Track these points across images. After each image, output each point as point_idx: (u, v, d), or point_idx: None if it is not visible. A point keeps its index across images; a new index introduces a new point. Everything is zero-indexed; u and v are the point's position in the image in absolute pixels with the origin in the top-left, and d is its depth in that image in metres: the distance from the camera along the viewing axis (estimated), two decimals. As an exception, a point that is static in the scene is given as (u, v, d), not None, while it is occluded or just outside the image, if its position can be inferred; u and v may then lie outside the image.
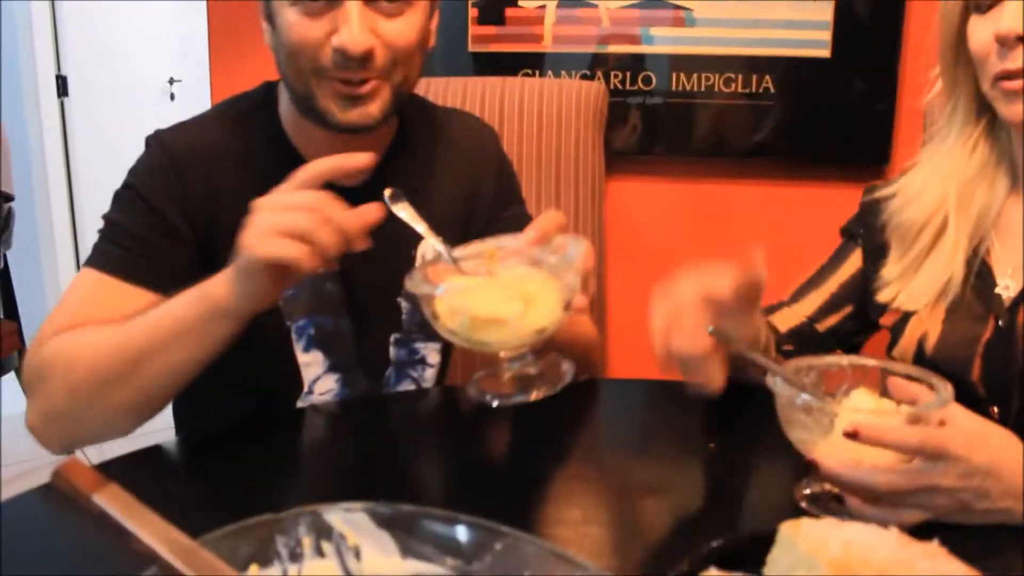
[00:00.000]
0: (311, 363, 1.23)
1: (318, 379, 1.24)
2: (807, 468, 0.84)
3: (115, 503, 0.51)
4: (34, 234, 4.11)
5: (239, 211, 1.14)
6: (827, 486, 0.87)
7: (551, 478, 0.95)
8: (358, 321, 1.24)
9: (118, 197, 1.16)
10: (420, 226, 0.98)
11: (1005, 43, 0.98)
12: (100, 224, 1.16)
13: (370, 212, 0.92)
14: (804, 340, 1.24)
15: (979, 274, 1.08)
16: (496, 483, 0.96)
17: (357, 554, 0.58)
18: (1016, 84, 0.99)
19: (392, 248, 1.21)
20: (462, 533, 0.57)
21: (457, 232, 1.28)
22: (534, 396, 0.89)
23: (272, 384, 1.23)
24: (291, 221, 0.89)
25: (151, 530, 0.50)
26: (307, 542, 0.57)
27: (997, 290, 1.07)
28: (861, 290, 1.22)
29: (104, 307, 1.06)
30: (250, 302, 0.96)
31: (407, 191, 1.25)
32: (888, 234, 1.18)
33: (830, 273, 1.27)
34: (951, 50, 1.09)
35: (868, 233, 1.22)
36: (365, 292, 1.23)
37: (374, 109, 1.12)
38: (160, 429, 1.14)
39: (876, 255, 1.19)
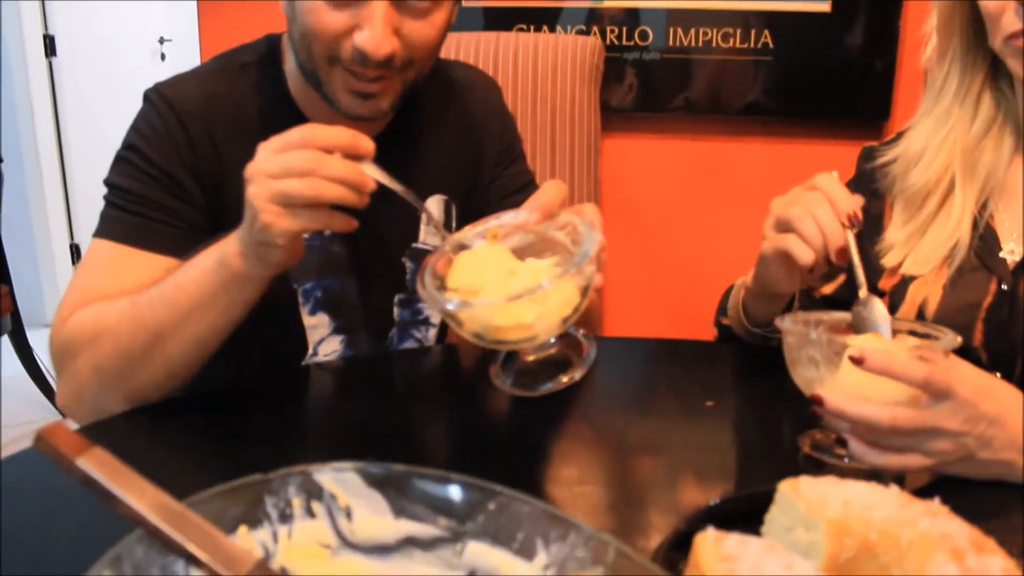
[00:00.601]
0: (317, 325, 1.22)
1: (323, 341, 1.22)
2: (811, 406, 0.83)
3: (100, 466, 0.50)
4: (24, 196, 4.08)
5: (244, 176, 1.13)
6: (832, 435, 0.86)
7: (547, 437, 0.94)
8: (364, 282, 1.23)
9: (120, 160, 1.11)
10: (396, 187, 0.94)
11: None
12: (92, 185, 1.13)
13: (360, 140, 0.87)
14: (801, 307, 1.22)
15: (983, 237, 1.07)
16: (493, 442, 0.95)
17: (348, 514, 0.57)
18: None
19: (396, 207, 1.19)
20: (455, 493, 0.56)
21: (462, 189, 1.27)
22: (565, 381, 0.87)
23: (276, 346, 1.21)
24: (296, 188, 0.85)
25: (137, 494, 0.49)
26: (297, 503, 0.56)
27: (1002, 254, 1.05)
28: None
29: (121, 278, 1.04)
30: (270, 267, 0.93)
31: (414, 148, 1.23)
32: (890, 199, 1.16)
33: None
34: (954, 12, 1.06)
35: (866, 200, 1.20)
36: (371, 253, 1.22)
37: (384, 104, 1.07)
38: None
39: (875, 221, 1.17)
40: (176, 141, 1.10)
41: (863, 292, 0.92)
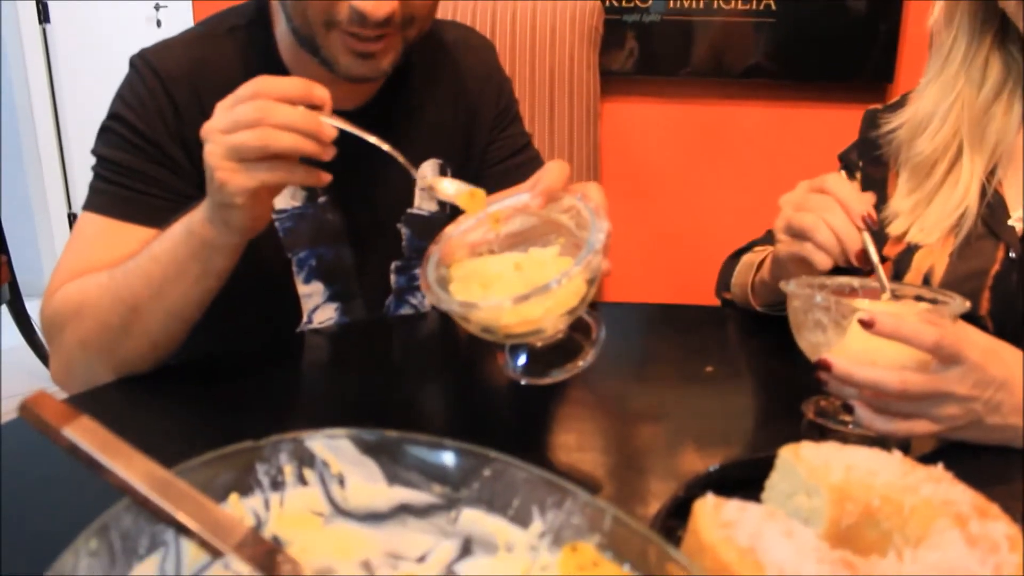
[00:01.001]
0: (311, 293, 1.21)
1: (317, 308, 1.21)
2: (816, 371, 0.82)
3: (87, 436, 0.49)
4: (21, 165, 4.06)
5: None
6: (836, 401, 0.85)
7: (546, 403, 0.93)
8: (359, 250, 1.22)
9: (106, 129, 1.10)
10: (366, 136, 0.90)
11: None
12: (89, 154, 1.10)
13: (315, 89, 0.84)
14: None
15: (991, 205, 1.05)
16: (491, 408, 0.95)
17: (341, 482, 0.56)
18: None
19: (391, 173, 1.18)
20: (449, 459, 0.55)
21: (457, 152, 1.25)
22: (580, 366, 0.85)
23: (271, 314, 1.20)
24: (246, 139, 0.82)
25: (125, 463, 0.48)
26: (289, 470, 0.56)
27: (1010, 222, 1.03)
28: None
29: (111, 251, 1.03)
30: (239, 233, 0.91)
31: (408, 110, 1.21)
32: (895, 167, 1.14)
33: None
34: None
35: (869, 164, 1.18)
36: (366, 220, 1.20)
37: (384, 63, 1.04)
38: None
39: (878, 187, 1.15)
40: (162, 109, 1.07)
41: (886, 296, 0.91)
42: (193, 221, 0.92)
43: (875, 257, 0.91)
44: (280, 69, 1.13)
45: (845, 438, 0.82)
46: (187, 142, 1.08)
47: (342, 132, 1.13)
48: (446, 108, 1.25)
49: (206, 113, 1.07)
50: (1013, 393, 0.79)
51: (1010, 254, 1.02)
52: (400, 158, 0.89)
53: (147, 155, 1.07)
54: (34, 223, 4.15)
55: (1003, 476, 0.77)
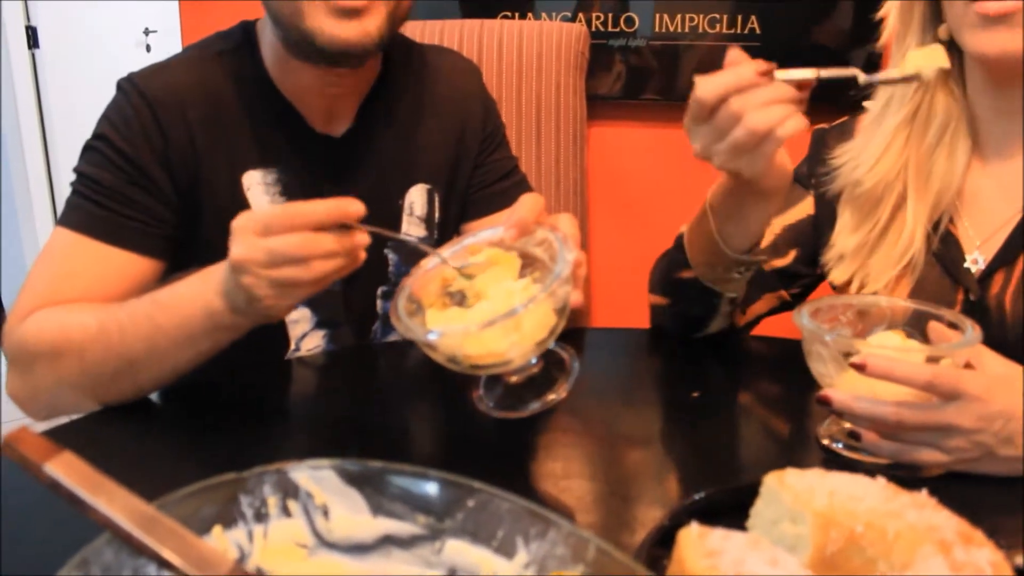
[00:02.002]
0: (299, 320, 1.20)
1: (305, 335, 1.21)
2: (819, 402, 0.82)
3: (69, 472, 0.48)
4: (9, 187, 4.05)
5: (222, 161, 1.10)
6: (846, 424, 0.86)
7: (532, 430, 0.93)
8: (348, 279, 1.21)
9: (89, 148, 1.09)
10: (392, 235, 0.92)
11: None
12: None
13: (349, 207, 0.84)
14: (752, 283, 1.15)
15: (946, 248, 1.03)
16: (477, 436, 0.94)
17: (325, 513, 0.56)
18: (994, 6, 0.90)
19: (379, 198, 1.17)
20: (433, 490, 0.55)
21: (445, 177, 1.25)
22: (551, 400, 0.85)
23: (257, 342, 1.19)
24: (297, 274, 0.82)
25: (107, 498, 0.48)
26: (273, 502, 0.55)
27: (966, 264, 1.02)
28: (811, 238, 1.16)
29: (84, 272, 1.03)
30: (258, 322, 0.92)
31: (396, 135, 1.21)
32: (843, 197, 1.11)
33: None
34: None
35: (820, 187, 1.15)
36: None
37: (371, 27, 1.03)
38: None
39: (829, 208, 1.13)
40: (147, 130, 1.07)
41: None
42: (214, 309, 0.91)
43: (788, 74, 0.87)
44: (270, 88, 1.14)
45: (856, 464, 0.83)
46: (171, 165, 1.08)
47: (325, 152, 1.14)
48: (434, 132, 1.25)
49: (193, 135, 1.09)
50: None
51: (970, 297, 1.01)
52: (425, 247, 0.89)
53: (127, 176, 1.06)
54: (22, 245, 4.14)
55: (987, 501, 0.77)
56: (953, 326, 0.85)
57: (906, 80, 0.92)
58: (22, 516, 0.76)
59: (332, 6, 1.01)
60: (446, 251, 0.88)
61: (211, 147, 1.10)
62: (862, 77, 0.90)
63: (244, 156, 1.12)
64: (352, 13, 1.01)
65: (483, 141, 1.29)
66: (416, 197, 1.23)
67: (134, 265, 1.05)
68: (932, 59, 0.89)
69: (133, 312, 0.96)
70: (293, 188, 1.14)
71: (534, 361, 0.83)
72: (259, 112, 1.13)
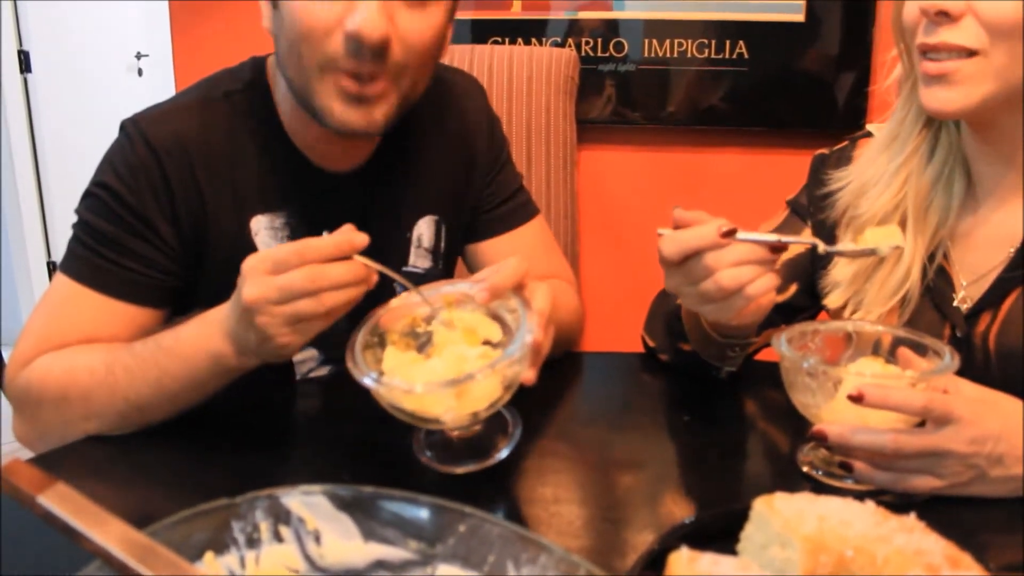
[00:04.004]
0: (306, 359, 1.19)
1: (310, 372, 1.20)
2: (812, 438, 0.83)
3: (62, 503, 0.49)
4: (2, 216, 4.04)
5: (229, 207, 1.09)
6: (836, 456, 0.86)
7: (523, 454, 0.93)
8: (353, 313, 1.20)
9: (92, 195, 1.06)
10: (389, 273, 0.90)
11: (927, 16, 0.92)
12: (69, 202, 1.08)
13: (355, 239, 0.84)
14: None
15: (937, 283, 1.04)
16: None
17: (317, 538, 0.56)
18: (934, 67, 0.93)
19: (388, 232, 1.17)
20: (424, 515, 0.55)
21: (453, 204, 1.24)
22: (487, 463, 0.87)
23: (264, 378, 1.18)
24: (309, 308, 0.83)
25: (101, 529, 0.48)
26: (264, 527, 0.56)
27: (956, 302, 1.03)
28: (810, 269, 1.16)
29: (84, 321, 1.03)
30: (268, 361, 0.92)
31: (407, 167, 1.19)
32: (842, 225, 1.11)
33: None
34: (899, 23, 1.01)
35: (818, 213, 1.15)
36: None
37: (378, 115, 1.00)
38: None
39: (828, 234, 1.13)
40: (153, 182, 1.05)
41: (822, 247, 0.92)
42: (222, 355, 0.91)
43: (753, 235, 0.88)
44: (280, 135, 1.11)
45: (839, 490, 0.83)
46: (177, 216, 1.06)
47: (333, 192, 1.13)
48: (442, 160, 1.23)
49: (200, 184, 1.07)
50: (1013, 444, 0.79)
51: (956, 333, 1.02)
52: (420, 292, 0.90)
53: (131, 228, 1.04)
54: (13, 271, 4.13)
55: (975, 525, 0.78)
56: (922, 349, 0.87)
57: (863, 254, 0.96)
58: (16, 544, 0.76)
59: (341, 89, 0.99)
60: (427, 291, 0.90)
61: (218, 194, 1.08)
62: (822, 247, 0.92)
63: (251, 201, 1.10)
64: (362, 99, 0.99)
65: (490, 162, 1.27)
66: (424, 229, 1.22)
67: (135, 315, 1.05)
68: (889, 237, 0.92)
69: (139, 356, 0.96)
70: (301, 231, 1.12)
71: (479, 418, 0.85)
72: (267, 155, 1.11)
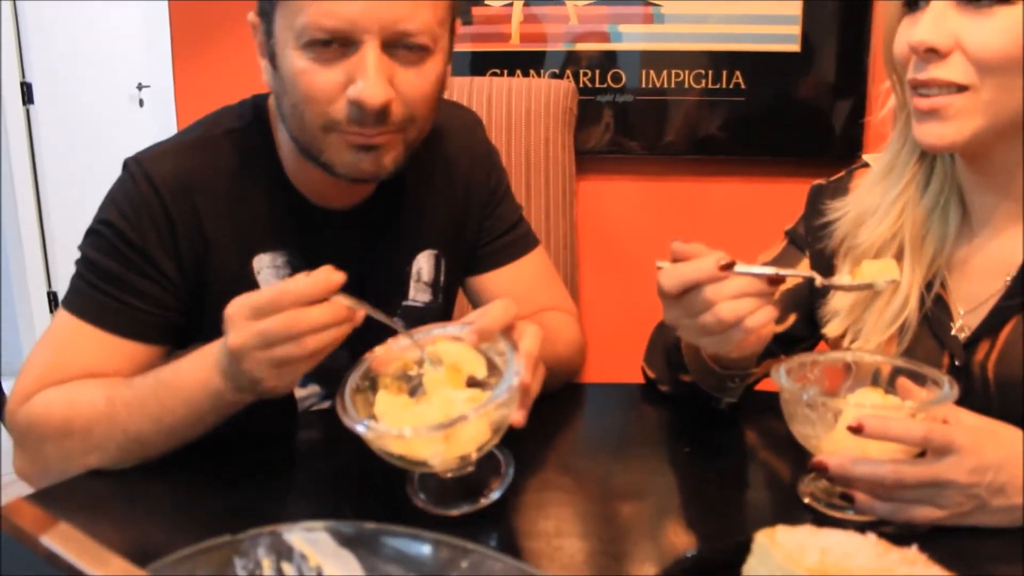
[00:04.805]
0: (308, 395, 1.19)
1: (313, 406, 1.20)
2: (813, 469, 0.83)
3: (65, 543, 0.49)
4: (3, 247, 4.05)
5: (231, 247, 1.09)
6: (823, 482, 0.86)
7: (523, 488, 0.93)
8: (354, 348, 1.20)
9: (95, 233, 1.07)
10: (372, 313, 0.90)
11: (916, 53, 0.94)
12: (70, 233, 1.10)
13: (331, 278, 0.85)
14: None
15: (935, 312, 1.04)
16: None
17: (319, 575, 0.56)
18: (925, 103, 0.94)
19: (388, 267, 1.18)
20: (427, 551, 0.55)
21: (452, 238, 1.24)
22: (482, 504, 0.87)
23: (265, 412, 1.17)
24: (292, 351, 0.84)
25: (105, 569, 0.48)
26: (267, 564, 0.56)
27: (953, 331, 1.03)
28: (809, 299, 1.16)
29: (85, 357, 1.03)
30: (264, 397, 0.93)
31: (406, 204, 1.19)
32: (839, 255, 1.11)
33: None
34: (890, 57, 1.02)
35: (816, 243, 1.15)
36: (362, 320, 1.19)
37: (387, 160, 1.02)
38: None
39: (826, 265, 1.13)
40: (156, 220, 1.05)
41: (819, 280, 0.93)
42: (217, 389, 0.92)
43: (751, 268, 0.89)
44: (280, 174, 1.12)
45: (841, 521, 0.83)
46: (180, 254, 1.07)
47: (333, 230, 1.13)
48: (441, 195, 1.23)
49: (202, 222, 1.07)
50: (1014, 473, 0.79)
51: (955, 362, 1.02)
52: (405, 331, 0.91)
53: (134, 265, 1.05)
54: (14, 302, 4.13)
55: (977, 557, 0.77)
56: (921, 379, 0.87)
57: (861, 288, 0.96)
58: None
59: (350, 142, 1.00)
60: (419, 334, 0.91)
61: (220, 233, 1.08)
62: (819, 280, 0.93)
63: (253, 240, 1.11)
64: (370, 148, 1.00)
65: (488, 195, 1.28)
66: (424, 263, 1.22)
67: (136, 352, 1.05)
68: (885, 271, 0.93)
69: (138, 391, 0.97)
70: (302, 269, 1.11)
71: (472, 459, 0.86)
72: (267, 195, 1.11)
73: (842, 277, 0.96)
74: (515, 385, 0.81)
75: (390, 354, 0.91)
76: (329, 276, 0.84)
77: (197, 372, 0.94)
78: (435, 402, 0.85)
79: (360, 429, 0.80)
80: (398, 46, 0.97)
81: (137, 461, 0.99)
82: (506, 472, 0.90)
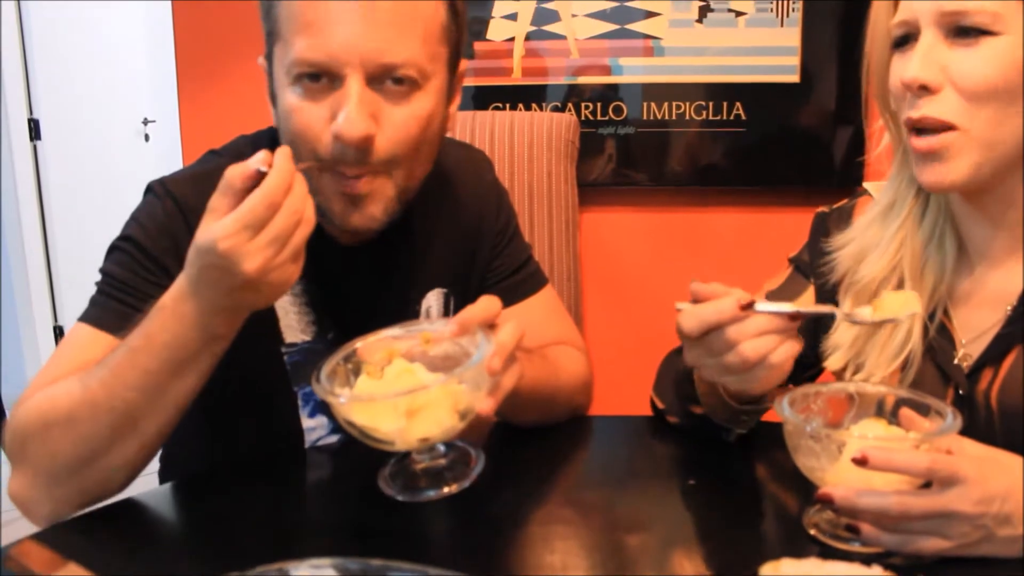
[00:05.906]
0: (315, 427, 1.19)
1: (320, 440, 1.20)
2: (818, 501, 0.83)
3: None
4: (8, 278, 4.07)
5: None
6: (828, 514, 0.86)
7: (530, 520, 0.93)
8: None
9: (116, 249, 1.08)
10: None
11: (909, 90, 0.95)
12: (76, 268, 1.12)
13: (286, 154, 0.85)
14: None
15: (938, 342, 1.04)
16: (477, 530, 0.94)
17: (327, 613, 0.57)
18: (923, 144, 0.95)
19: (398, 303, 1.18)
20: (434, 589, 0.55)
21: (461, 278, 1.25)
22: (445, 492, 0.88)
23: (273, 446, 1.17)
24: (283, 223, 0.84)
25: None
26: (275, 602, 0.56)
27: (956, 360, 1.03)
28: (813, 328, 1.16)
29: (94, 362, 0.99)
30: (249, 312, 0.92)
31: (415, 243, 1.19)
32: (841, 289, 1.12)
33: None
34: (883, 96, 1.03)
35: (821, 275, 1.15)
36: None
37: (376, 211, 1.02)
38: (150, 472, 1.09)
39: (829, 296, 1.14)
40: (176, 233, 1.06)
41: (841, 313, 0.93)
42: (195, 316, 0.90)
43: (771, 306, 0.89)
44: None
45: (847, 553, 0.83)
46: None
47: (344, 259, 1.14)
48: (450, 234, 1.23)
49: None
50: (1019, 503, 0.79)
51: (959, 391, 1.02)
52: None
53: (150, 275, 1.05)
54: (20, 337, 4.14)
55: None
56: (924, 410, 0.87)
57: (882, 323, 0.97)
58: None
59: (337, 190, 1.01)
60: (408, 328, 0.93)
61: None
62: (840, 314, 0.94)
63: None
64: (356, 199, 1.01)
65: (497, 234, 1.28)
66: (433, 301, 1.22)
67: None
68: (907, 306, 0.93)
69: (113, 367, 0.93)
70: (318, 297, 1.13)
71: (443, 450, 0.90)
72: None
73: (863, 310, 0.96)
74: (481, 363, 0.82)
75: (378, 344, 0.91)
76: (266, 153, 0.85)
77: (166, 318, 0.91)
78: (405, 380, 0.87)
79: (326, 395, 0.82)
80: (384, 80, 0.98)
81: (133, 449, 0.95)
82: (475, 464, 0.91)
